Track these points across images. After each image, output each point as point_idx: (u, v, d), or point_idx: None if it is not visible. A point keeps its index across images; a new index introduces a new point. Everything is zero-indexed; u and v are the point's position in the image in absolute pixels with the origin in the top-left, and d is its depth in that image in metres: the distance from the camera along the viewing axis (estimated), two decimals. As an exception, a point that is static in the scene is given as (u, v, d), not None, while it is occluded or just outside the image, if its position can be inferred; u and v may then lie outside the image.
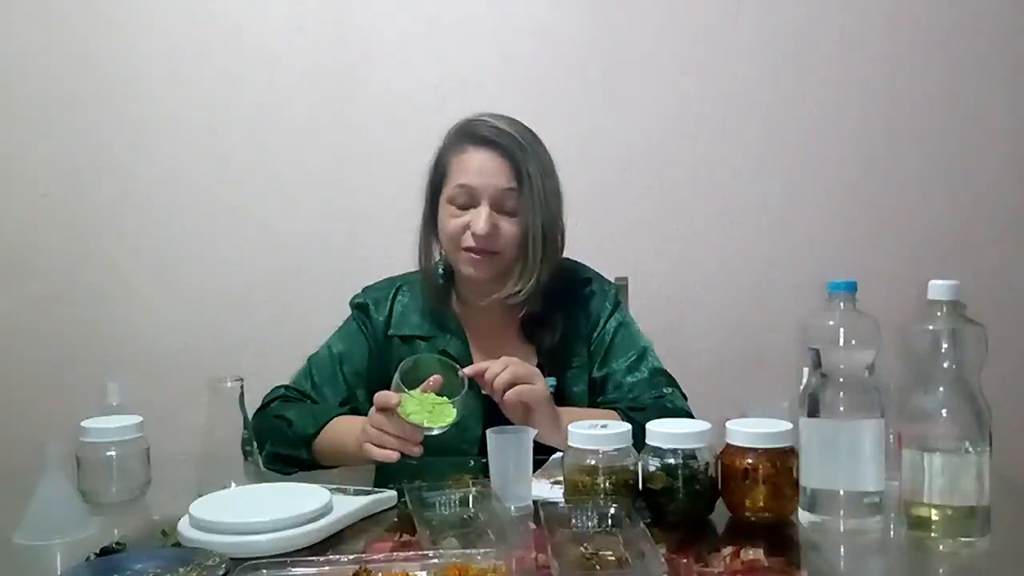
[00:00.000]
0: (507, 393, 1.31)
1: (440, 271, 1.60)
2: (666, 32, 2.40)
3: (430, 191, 1.55)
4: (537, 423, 1.30)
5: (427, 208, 1.56)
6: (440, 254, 1.58)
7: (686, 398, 1.54)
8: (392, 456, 1.27)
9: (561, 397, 1.51)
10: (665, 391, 1.51)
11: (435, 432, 1.27)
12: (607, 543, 1.00)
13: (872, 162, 2.44)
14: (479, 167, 1.47)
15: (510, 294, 1.49)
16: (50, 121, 2.35)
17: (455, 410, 1.28)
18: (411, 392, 1.28)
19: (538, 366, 1.51)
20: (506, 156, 1.47)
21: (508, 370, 1.32)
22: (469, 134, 1.50)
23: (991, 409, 1.03)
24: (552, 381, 1.50)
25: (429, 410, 1.27)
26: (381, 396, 1.29)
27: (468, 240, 1.47)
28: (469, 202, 1.47)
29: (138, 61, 2.35)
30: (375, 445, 1.28)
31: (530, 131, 1.52)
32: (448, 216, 1.49)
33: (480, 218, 1.45)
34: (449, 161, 1.51)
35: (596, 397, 1.54)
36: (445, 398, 1.29)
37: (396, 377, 1.29)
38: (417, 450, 1.27)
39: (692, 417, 1.41)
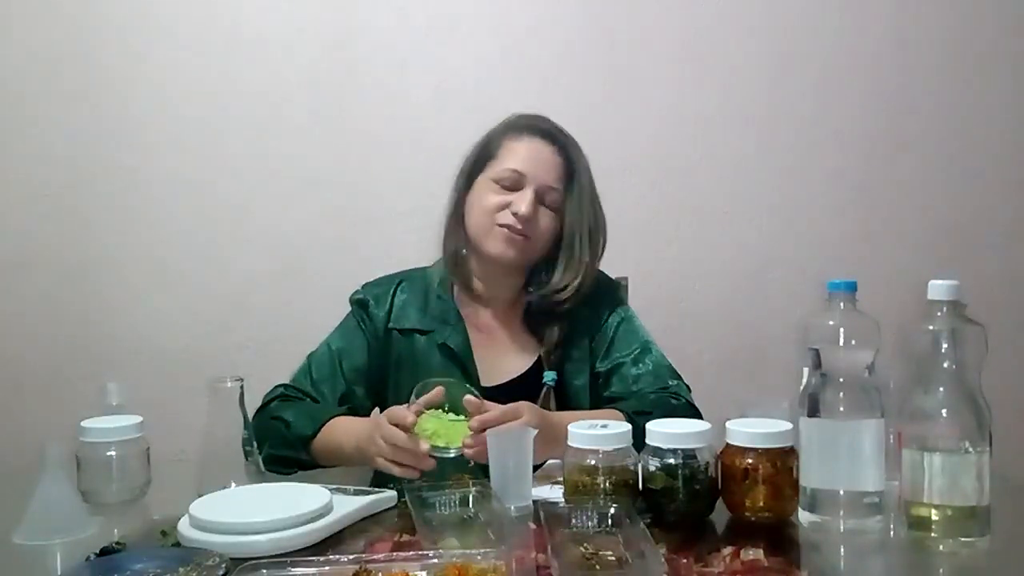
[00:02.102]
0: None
1: (463, 253, 1.59)
2: (666, 32, 2.40)
3: (470, 171, 1.56)
4: None
5: (461, 187, 1.56)
6: (463, 236, 1.56)
7: (690, 391, 1.53)
8: (412, 473, 1.26)
9: (562, 390, 1.52)
10: (670, 383, 1.51)
11: (452, 454, 1.25)
12: (607, 543, 1.00)
13: (872, 162, 2.44)
14: (533, 155, 1.51)
15: (555, 289, 1.52)
16: (50, 120, 2.35)
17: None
18: (429, 412, 1.28)
19: (540, 358, 1.53)
20: (561, 152, 1.52)
21: (497, 412, 1.26)
22: (527, 124, 1.55)
23: (991, 409, 1.03)
24: (552, 375, 1.51)
25: (447, 429, 1.27)
26: (396, 412, 1.28)
27: (506, 217, 1.48)
28: (514, 186, 1.50)
29: (138, 61, 2.35)
30: (391, 462, 1.27)
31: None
32: (489, 192, 1.51)
33: (524, 200, 1.48)
34: (502, 143, 1.53)
35: (600, 391, 1.54)
36: (463, 417, 1.28)
37: (412, 398, 1.30)
38: (431, 464, 1.25)
39: (698, 411, 1.42)
